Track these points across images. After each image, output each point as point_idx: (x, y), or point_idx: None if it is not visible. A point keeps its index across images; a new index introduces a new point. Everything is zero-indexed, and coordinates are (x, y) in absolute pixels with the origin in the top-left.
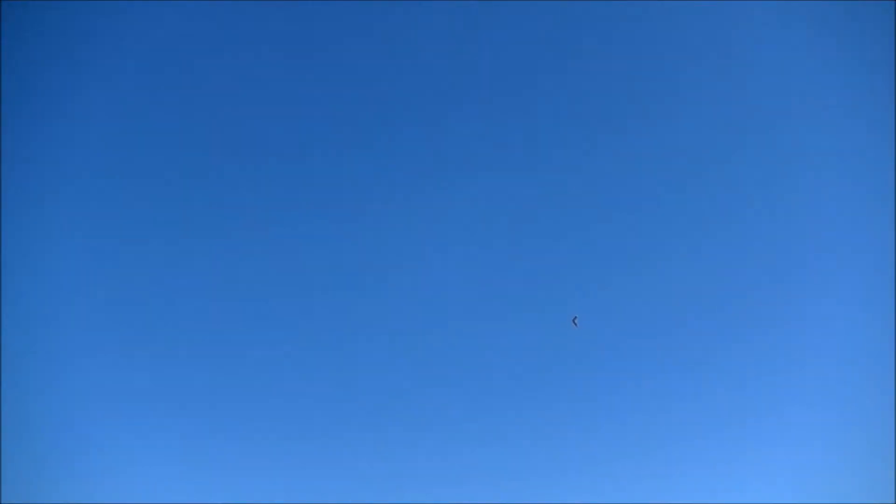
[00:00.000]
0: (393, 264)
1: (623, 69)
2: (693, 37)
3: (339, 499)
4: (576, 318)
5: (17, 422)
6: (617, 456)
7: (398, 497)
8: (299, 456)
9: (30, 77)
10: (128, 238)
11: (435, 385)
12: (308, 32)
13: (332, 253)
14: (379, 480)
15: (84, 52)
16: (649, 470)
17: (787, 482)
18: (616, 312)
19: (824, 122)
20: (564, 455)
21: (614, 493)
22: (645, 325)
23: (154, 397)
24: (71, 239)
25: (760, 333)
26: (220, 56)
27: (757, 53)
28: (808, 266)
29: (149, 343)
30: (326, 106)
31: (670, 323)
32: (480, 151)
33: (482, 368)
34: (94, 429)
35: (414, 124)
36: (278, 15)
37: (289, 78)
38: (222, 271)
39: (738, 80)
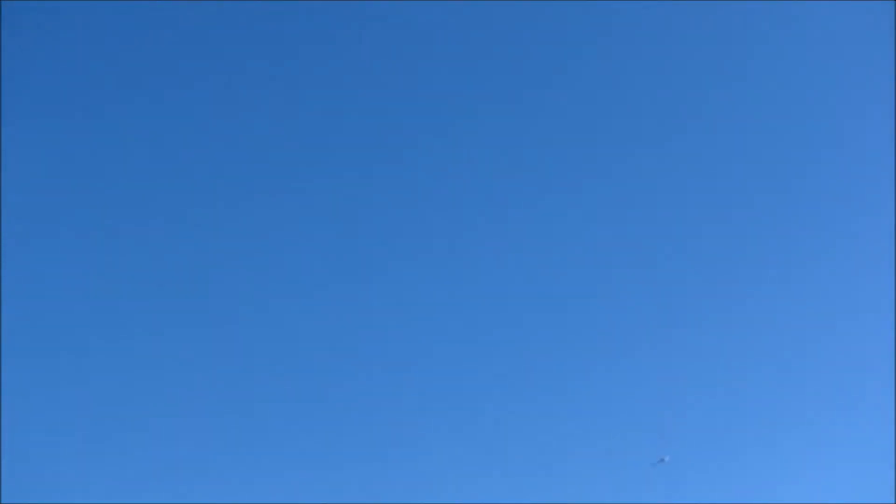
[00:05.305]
0: (390, 265)
1: (621, 70)
2: (691, 36)
3: (339, 499)
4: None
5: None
6: (615, 455)
7: (398, 497)
8: (298, 456)
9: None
10: (125, 237)
11: (433, 384)
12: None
13: (331, 251)
14: (377, 481)
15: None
16: (647, 470)
17: (787, 482)
18: (614, 312)
19: (823, 122)
20: (562, 456)
21: (613, 493)
22: (643, 325)
23: (154, 397)
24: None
25: (760, 333)
26: (219, 57)
27: (756, 53)
28: (809, 264)
29: (147, 342)
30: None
31: (669, 322)
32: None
33: (482, 368)
34: (92, 428)
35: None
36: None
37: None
38: (219, 269)
39: (737, 78)
